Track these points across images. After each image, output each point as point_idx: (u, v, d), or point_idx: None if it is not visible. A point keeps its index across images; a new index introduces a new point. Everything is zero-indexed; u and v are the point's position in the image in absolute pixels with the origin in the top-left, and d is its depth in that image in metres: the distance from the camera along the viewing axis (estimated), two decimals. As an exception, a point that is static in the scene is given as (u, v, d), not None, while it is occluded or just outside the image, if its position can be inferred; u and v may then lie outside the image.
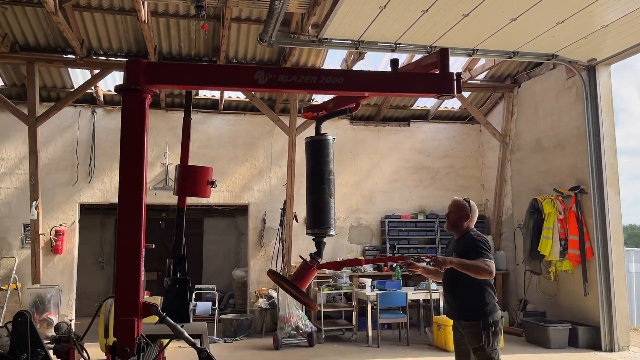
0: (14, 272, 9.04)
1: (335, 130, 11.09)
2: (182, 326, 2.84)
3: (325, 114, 3.69)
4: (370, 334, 8.52)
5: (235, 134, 10.64)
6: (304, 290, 3.39)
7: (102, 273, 13.65)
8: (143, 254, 2.69)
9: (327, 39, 7.58)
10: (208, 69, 3.52)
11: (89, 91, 9.76)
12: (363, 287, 8.99)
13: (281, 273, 9.69)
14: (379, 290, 8.81)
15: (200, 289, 10.19)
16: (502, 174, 10.89)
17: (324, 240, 3.60)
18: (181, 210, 3.98)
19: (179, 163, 3.50)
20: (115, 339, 2.55)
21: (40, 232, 9.07)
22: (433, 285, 9.08)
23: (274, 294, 9.18)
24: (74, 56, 8.74)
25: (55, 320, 8.47)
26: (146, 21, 7.61)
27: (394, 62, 3.04)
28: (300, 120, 9.94)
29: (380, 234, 11.16)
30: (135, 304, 2.61)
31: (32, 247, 9.06)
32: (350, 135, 11.23)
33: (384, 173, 11.34)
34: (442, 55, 2.93)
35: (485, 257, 3.93)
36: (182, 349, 7.69)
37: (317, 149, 3.66)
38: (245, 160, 10.62)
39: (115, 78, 9.71)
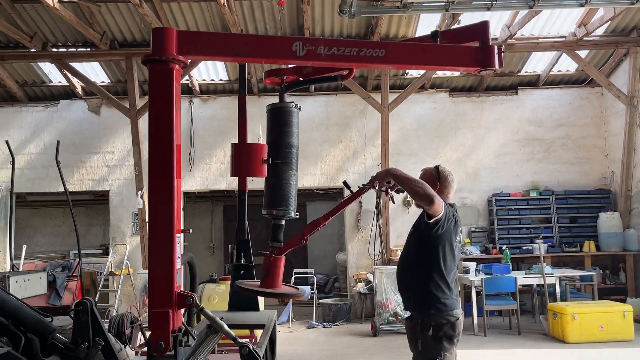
0: (125, 258, 9.59)
1: (434, 103, 10.42)
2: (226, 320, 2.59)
3: (296, 80, 3.25)
4: (475, 321, 7.87)
5: (327, 115, 10.38)
6: (280, 287, 3.09)
7: (213, 258, 14.21)
8: (178, 239, 2.47)
9: (412, 2, 6.97)
10: (243, 39, 3.22)
11: (185, 82, 10.04)
12: (467, 271, 8.32)
13: (377, 258, 9.30)
14: (485, 274, 8.10)
15: (299, 272, 10.12)
16: (630, 141, 9.50)
17: (282, 222, 3.15)
18: (242, 193, 3.77)
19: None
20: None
21: (147, 219, 9.52)
22: (547, 269, 8.17)
23: (371, 278, 8.82)
24: (166, 48, 8.95)
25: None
26: (227, 5, 7.53)
27: (435, 34, 2.75)
28: (392, 96, 9.42)
29: (487, 214, 10.32)
30: (169, 294, 2.39)
31: (141, 234, 9.55)
32: (450, 108, 10.46)
33: (489, 148, 10.44)
34: (482, 27, 2.70)
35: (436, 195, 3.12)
36: (286, 333, 7.68)
37: (277, 119, 3.25)
38: (338, 141, 10.33)
39: (207, 66, 9.87)
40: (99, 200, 12.07)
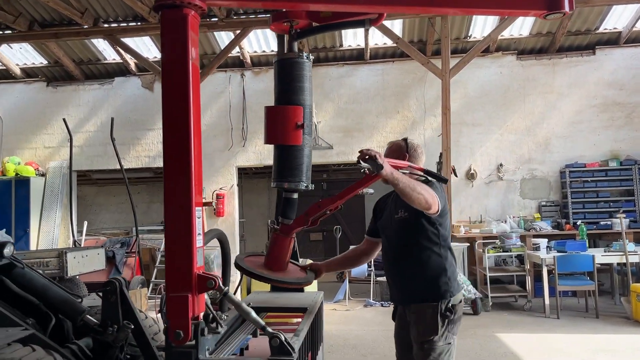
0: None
1: (500, 68, 9.64)
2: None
3: (309, 27, 2.75)
4: (547, 302, 7.24)
5: (383, 85, 9.83)
6: (283, 271, 2.83)
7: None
8: (198, 215, 2.15)
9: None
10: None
11: (236, 54, 9.79)
12: (537, 248, 7.67)
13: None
14: (558, 252, 7.42)
15: (356, 250, 9.75)
16: None
17: (294, 196, 2.80)
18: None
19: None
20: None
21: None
22: (630, 246, 7.38)
23: (432, 255, 8.34)
24: (216, 19, 8.71)
25: (218, 279, 8.80)
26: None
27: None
28: (454, 61, 8.74)
29: (559, 187, 9.51)
30: (187, 277, 2.08)
31: (196, 210, 9.47)
32: (518, 72, 9.63)
33: (562, 114, 9.56)
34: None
35: (432, 191, 2.71)
36: (342, 312, 7.40)
37: (286, 73, 2.77)
38: (395, 112, 9.78)
39: (258, 36, 9.55)
40: (159, 177, 12.19)
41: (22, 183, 9.75)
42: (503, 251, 7.98)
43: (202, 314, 2.17)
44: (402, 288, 3.01)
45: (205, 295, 2.23)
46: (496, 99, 9.56)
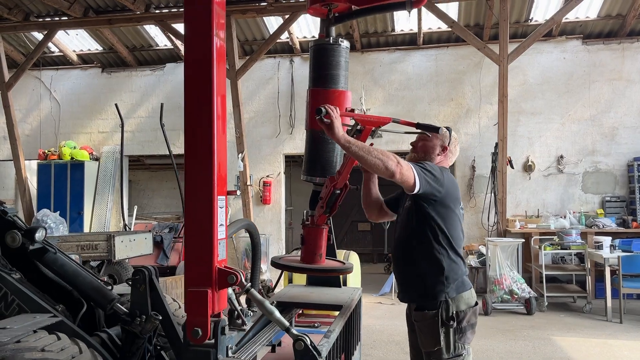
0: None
1: (563, 53, 9.03)
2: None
3: (348, 10, 2.57)
4: (609, 305, 6.74)
5: (437, 71, 9.42)
6: (319, 262, 2.72)
7: (317, 223, 14.00)
8: (220, 204, 1.99)
9: None
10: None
11: (285, 40, 9.64)
12: (599, 246, 7.15)
13: (491, 229, 8.36)
14: (622, 251, 6.89)
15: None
16: None
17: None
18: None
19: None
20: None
21: (248, 183, 9.41)
22: None
23: (484, 250, 7.95)
24: (265, 3, 8.58)
25: (264, 268, 8.74)
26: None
27: None
28: (512, 46, 8.24)
29: (626, 182, 8.85)
30: (207, 271, 1.93)
31: (242, 197, 9.47)
32: (583, 58, 8.99)
33: (632, 103, 8.87)
34: None
35: (413, 166, 2.43)
36: (387, 305, 7.17)
37: (321, 59, 2.61)
38: (449, 99, 9.36)
39: (307, 21, 9.35)
40: (207, 163, 12.26)
41: (77, 167, 10.03)
42: (561, 248, 7.50)
43: (225, 310, 2.03)
44: (400, 285, 2.80)
45: (230, 290, 2.08)
46: (558, 86, 8.97)
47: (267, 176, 9.92)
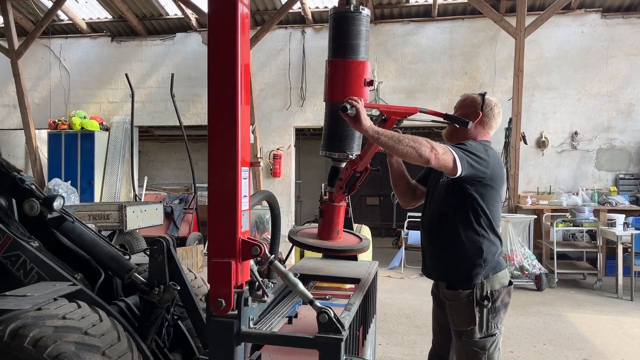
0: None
1: (581, 27, 8.83)
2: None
3: None
4: (620, 282, 6.73)
5: (451, 44, 9.25)
6: (337, 239, 2.69)
7: (326, 197, 14.01)
8: (244, 175, 1.95)
9: None
10: None
11: (297, 10, 9.47)
12: (612, 224, 7.11)
13: (503, 205, 8.31)
14: (636, 229, 6.84)
15: (413, 217, 9.44)
16: None
17: (342, 165, 2.65)
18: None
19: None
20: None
21: (258, 155, 9.38)
22: None
23: (495, 226, 7.92)
24: (277, -27, 8.41)
25: (266, 243, 8.79)
26: None
27: None
28: (530, 19, 8.06)
29: (641, 159, 8.76)
30: (231, 242, 1.90)
31: (252, 170, 9.44)
32: (602, 32, 8.79)
33: (650, 79, 8.70)
34: None
35: (452, 148, 2.32)
36: (396, 279, 7.14)
37: (340, 28, 2.57)
38: (463, 73, 9.21)
39: (320, -8, 9.17)
40: (217, 135, 12.21)
41: (87, 137, 10.02)
42: (574, 225, 7.46)
43: (246, 282, 2.01)
44: (432, 263, 2.72)
45: (252, 261, 2.07)
46: (575, 60, 8.80)
47: (278, 149, 9.87)
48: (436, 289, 2.75)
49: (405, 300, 6.44)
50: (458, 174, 2.34)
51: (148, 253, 2.84)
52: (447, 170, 2.34)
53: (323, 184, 3.07)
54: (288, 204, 10.04)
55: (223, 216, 1.92)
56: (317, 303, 1.92)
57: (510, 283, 2.59)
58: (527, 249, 7.17)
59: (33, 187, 3.00)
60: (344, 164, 2.75)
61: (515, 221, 7.15)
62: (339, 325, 1.86)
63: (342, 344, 1.83)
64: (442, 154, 2.26)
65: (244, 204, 1.97)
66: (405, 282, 7.62)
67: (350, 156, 2.69)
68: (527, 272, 6.94)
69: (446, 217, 2.59)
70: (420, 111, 2.49)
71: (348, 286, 6.37)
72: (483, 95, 2.67)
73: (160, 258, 2.81)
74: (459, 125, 2.54)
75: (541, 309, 6.07)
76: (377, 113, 2.53)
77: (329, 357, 1.83)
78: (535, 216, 7.67)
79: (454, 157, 2.30)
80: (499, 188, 2.56)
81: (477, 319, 2.46)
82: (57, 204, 2.89)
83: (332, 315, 1.87)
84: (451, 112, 2.73)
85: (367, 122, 2.30)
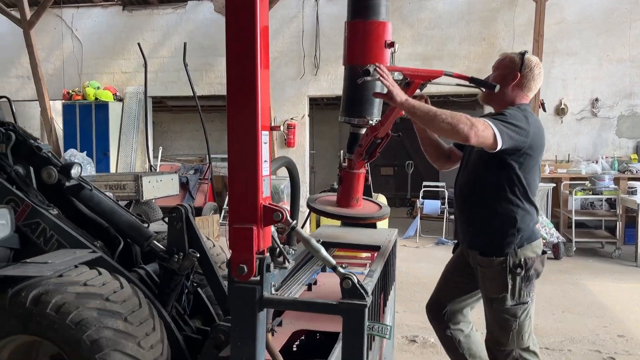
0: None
1: (603, -12, 8.53)
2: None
3: None
4: (639, 251, 6.66)
5: (468, 8, 9.01)
6: (356, 207, 2.65)
7: (340, 167, 13.96)
8: (264, 140, 1.90)
9: None
10: None
11: (310, -24, 9.27)
12: (633, 192, 6.99)
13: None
14: (657, 197, 6.73)
15: (429, 186, 9.39)
16: None
17: (361, 132, 2.55)
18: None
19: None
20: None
21: (272, 125, 9.31)
22: None
23: (512, 195, 7.82)
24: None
25: (287, 209, 8.79)
26: None
27: None
28: (552, -20, 7.79)
29: (663, 125, 8.55)
30: (252, 208, 1.87)
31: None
32: (625, -7, 8.50)
33: (675, 43, 8.43)
34: None
35: (491, 121, 2.24)
36: (411, 249, 7.12)
37: None
38: (481, 39, 8.99)
39: (334, -44, 8.93)
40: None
41: (101, 107, 10.02)
42: (593, 194, 7.34)
43: (268, 248, 1.99)
44: (465, 231, 2.69)
45: (272, 228, 2.04)
46: (597, 24, 8.53)
47: (291, 119, 9.79)
48: (466, 256, 2.72)
49: (421, 269, 6.43)
50: (498, 148, 2.27)
51: (166, 221, 2.83)
52: (487, 146, 2.27)
53: (342, 151, 3.01)
54: (302, 174, 9.99)
55: (244, 182, 1.88)
56: (340, 269, 1.89)
57: (544, 252, 2.56)
58: (545, 218, 7.09)
59: (50, 154, 2.99)
60: (363, 130, 2.69)
61: (533, 190, 7.03)
62: (362, 291, 1.83)
63: (366, 310, 1.81)
64: (482, 131, 2.19)
65: (265, 169, 1.92)
66: (420, 251, 7.61)
67: (371, 122, 2.63)
68: (544, 241, 6.87)
69: (480, 185, 2.54)
70: (445, 74, 2.40)
71: (364, 255, 6.38)
72: (523, 54, 2.55)
73: (179, 225, 2.79)
74: (486, 89, 2.46)
75: (559, 277, 6.03)
76: (400, 77, 2.45)
77: (353, 323, 1.80)
78: (554, 184, 7.55)
79: (494, 132, 2.22)
80: (538, 156, 2.49)
81: (510, 286, 2.44)
82: (74, 171, 2.87)
83: (356, 281, 1.84)
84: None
85: (401, 95, 2.23)
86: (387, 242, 2.86)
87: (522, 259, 2.44)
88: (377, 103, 2.73)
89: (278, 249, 2.06)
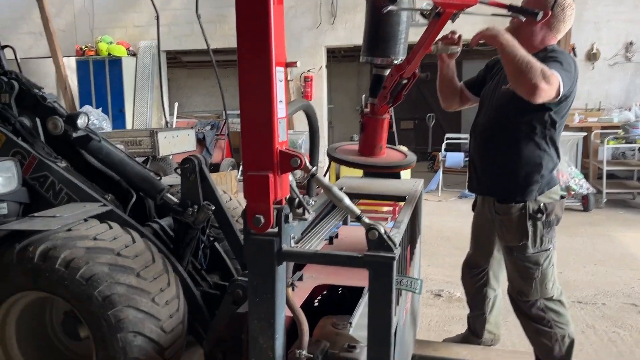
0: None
1: None
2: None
3: None
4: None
5: (495, -52, 8.46)
6: (380, 155, 2.47)
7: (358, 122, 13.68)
8: (279, 77, 1.71)
9: None
10: None
11: None
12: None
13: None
14: (695, 145, 6.39)
15: (451, 138, 9.11)
16: None
17: (385, 73, 2.33)
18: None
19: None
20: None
21: (288, 78, 9.04)
22: None
23: (539, 146, 7.52)
24: None
25: (304, 157, 8.65)
26: None
27: None
28: None
29: None
30: (268, 153, 1.69)
31: (284, 92, 9.14)
32: None
33: None
34: None
35: (555, 69, 2.08)
36: (434, 202, 6.96)
37: None
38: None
39: None
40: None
41: (115, 63, 9.82)
42: (626, 142, 7.01)
43: (286, 198, 1.82)
44: (483, 176, 2.54)
45: (290, 176, 1.87)
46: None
47: (308, 70, 9.49)
48: (482, 205, 2.60)
49: (445, 222, 6.27)
50: (557, 100, 2.15)
51: (179, 172, 2.69)
52: (549, 100, 2.12)
53: (363, 95, 2.80)
54: (321, 128, 9.77)
55: (257, 124, 1.70)
56: (366, 219, 1.72)
57: (562, 197, 2.46)
58: (575, 169, 6.81)
59: (56, 104, 2.84)
60: (387, 71, 2.47)
61: (562, 139, 6.70)
62: (390, 242, 1.67)
63: (395, 263, 1.65)
64: (550, 89, 2.07)
65: (281, 110, 1.73)
66: (443, 204, 7.43)
67: (395, 61, 2.40)
68: (573, 192, 6.63)
69: (506, 128, 2.38)
70: (481, 2, 2.15)
71: (385, 209, 6.24)
72: None
73: (192, 177, 2.66)
74: (527, 16, 2.21)
75: (589, 229, 5.81)
76: (429, 7, 2.21)
77: (380, 277, 1.65)
78: (584, 134, 7.23)
79: (560, 83, 2.08)
80: (572, 97, 2.33)
81: (530, 233, 2.35)
82: (81, 121, 2.73)
83: (383, 232, 1.67)
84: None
85: (506, 34, 2.08)
86: (414, 192, 2.68)
87: (542, 204, 2.34)
88: (403, 41, 2.50)
89: (297, 199, 1.90)
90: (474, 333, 2.94)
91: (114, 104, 9.82)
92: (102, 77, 9.80)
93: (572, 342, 2.43)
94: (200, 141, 8.70)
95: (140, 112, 9.96)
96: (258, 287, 1.75)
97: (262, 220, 1.70)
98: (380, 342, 1.68)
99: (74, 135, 2.75)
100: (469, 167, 2.69)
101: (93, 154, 2.85)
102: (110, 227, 2.37)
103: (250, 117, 1.70)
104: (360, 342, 1.84)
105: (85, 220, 2.39)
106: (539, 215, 2.33)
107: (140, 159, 7.34)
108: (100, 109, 8.87)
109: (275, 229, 1.72)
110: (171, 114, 9.74)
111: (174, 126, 9.22)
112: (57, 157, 2.71)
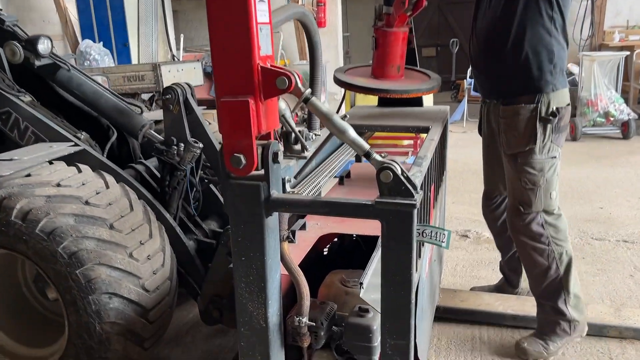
0: (280, 47, 8.79)
1: None
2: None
3: None
4: None
5: None
6: (395, 78, 2.25)
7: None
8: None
9: None
10: None
11: None
12: None
13: (584, 43, 7.13)
14: None
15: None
16: None
17: None
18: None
19: None
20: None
21: (299, 2, 8.39)
22: None
23: (575, 69, 6.88)
24: None
25: (322, 97, 8.15)
26: None
27: None
28: None
29: None
30: (246, 71, 1.29)
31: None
32: None
33: None
34: None
35: None
36: (458, 134, 6.47)
37: None
38: None
39: None
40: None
41: (116, -6, 9.24)
42: (673, 62, 6.34)
43: (277, 131, 1.42)
44: (489, 77, 2.28)
45: (283, 104, 1.47)
46: None
47: (322, -6, 8.79)
48: (487, 118, 2.37)
49: (471, 155, 5.80)
50: None
51: (161, 105, 2.30)
52: None
53: (376, 5, 2.33)
54: (336, 58, 9.20)
55: (231, 33, 1.28)
56: (377, 156, 1.32)
57: (569, 104, 2.22)
58: (614, 92, 6.21)
59: (16, 28, 2.43)
60: None
61: (602, 60, 6.11)
62: (409, 185, 1.28)
63: (415, 212, 1.26)
64: None
65: (261, 14, 1.30)
66: (468, 136, 6.94)
67: None
68: (612, 118, 6.07)
69: (510, 19, 2.09)
70: None
71: (406, 142, 5.77)
72: None
73: (176, 109, 2.26)
74: None
75: (630, 159, 5.31)
76: None
77: (396, 230, 1.27)
78: (627, 53, 6.55)
79: None
80: None
81: (539, 136, 2.13)
82: (42, 46, 2.32)
83: (399, 172, 1.27)
84: None
85: None
86: (439, 121, 2.25)
87: (555, 108, 2.13)
88: None
89: (293, 133, 1.51)
90: (509, 282, 2.60)
91: (118, 38, 9.31)
92: (102, 10, 9.25)
93: (570, 260, 2.20)
94: (209, 75, 8.22)
95: (145, 45, 9.45)
96: (243, 244, 1.40)
97: (243, 160, 1.32)
98: (397, 312, 1.33)
99: (37, 63, 2.35)
100: (474, 73, 2.41)
101: (62, 85, 2.46)
102: (80, 171, 2.02)
103: (221, 21, 1.28)
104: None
105: (50, 163, 2.04)
106: (552, 117, 2.11)
107: (146, 96, 7.00)
108: (102, 43, 8.40)
109: (261, 171, 1.34)
110: (178, 47, 9.22)
111: (181, 60, 8.73)
112: (20, 91, 2.33)
